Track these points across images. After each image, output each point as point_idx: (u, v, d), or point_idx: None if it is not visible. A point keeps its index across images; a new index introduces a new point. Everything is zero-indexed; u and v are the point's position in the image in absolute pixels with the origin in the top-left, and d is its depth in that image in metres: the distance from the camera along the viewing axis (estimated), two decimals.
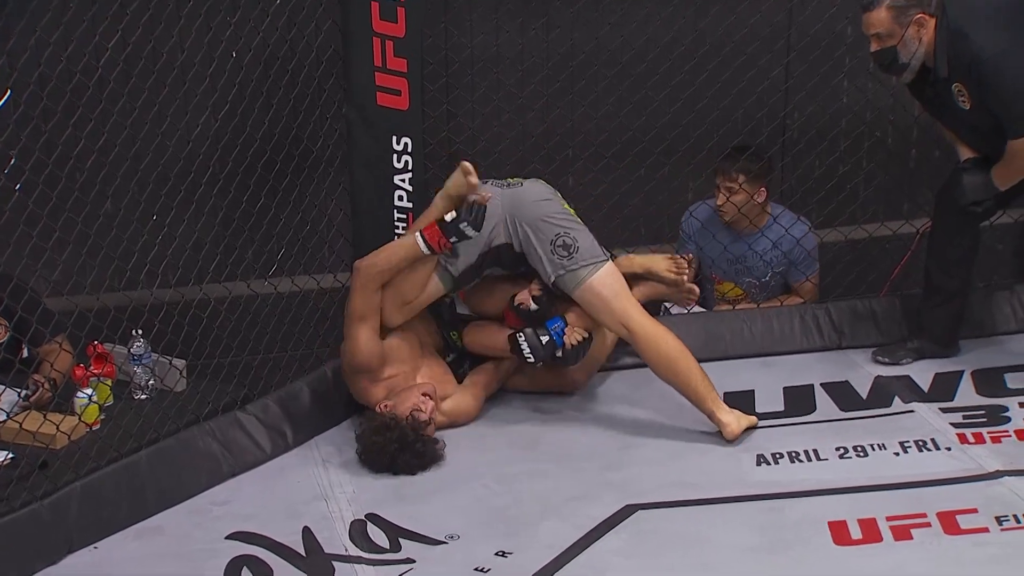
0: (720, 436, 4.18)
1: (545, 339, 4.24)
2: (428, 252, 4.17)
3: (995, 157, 4.36)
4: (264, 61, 4.48)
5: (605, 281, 4.17)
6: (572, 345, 4.28)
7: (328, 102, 4.68)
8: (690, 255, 4.84)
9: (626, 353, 4.66)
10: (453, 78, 4.99)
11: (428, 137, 4.71)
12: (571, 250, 4.14)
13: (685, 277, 4.58)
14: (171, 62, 4.21)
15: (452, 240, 4.15)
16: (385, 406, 4.19)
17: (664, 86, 5.07)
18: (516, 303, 4.31)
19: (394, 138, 4.53)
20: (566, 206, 4.29)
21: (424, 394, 4.19)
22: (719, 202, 4.98)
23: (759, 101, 5.23)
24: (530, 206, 4.21)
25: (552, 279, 4.19)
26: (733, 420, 4.16)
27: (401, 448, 4.06)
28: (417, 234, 4.18)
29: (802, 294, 5.09)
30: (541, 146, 5.06)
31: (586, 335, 4.30)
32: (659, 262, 4.62)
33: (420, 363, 4.35)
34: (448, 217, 4.16)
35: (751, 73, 5.13)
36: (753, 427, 4.20)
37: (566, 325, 4.28)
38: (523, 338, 4.25)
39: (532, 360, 4.27)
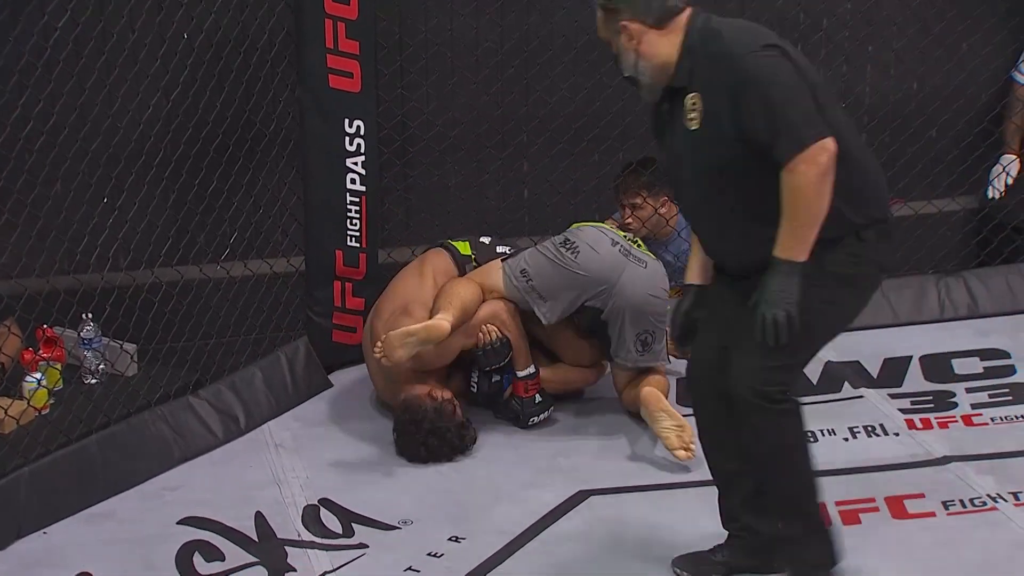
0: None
1: (495, 379, 4.29)
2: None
3: (706, 226, 3.35)
4: (216, 43, 4.44)
5: (659, 381, 4.27)
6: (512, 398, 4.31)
7: (281, 84, 4.64)
8: None
9: None
10: (407, 62, 4.97)
11: (382, 121, 4.69)
12: (648, 349, 4.25)
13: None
14: (122, 43, 4.16)
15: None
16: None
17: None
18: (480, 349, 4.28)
19: (346, 121, 4.50)
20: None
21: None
22: (625, 218, 4.96)
23: None
24: (642, 297, 4.24)
25: (617, 360, 4.29)
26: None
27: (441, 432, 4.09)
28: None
29: None
30: (496, 131, 5.05)
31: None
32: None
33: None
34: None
35: None
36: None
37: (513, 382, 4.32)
38: (475, 372, 4.31)
39: (474, 391, 4.33)
